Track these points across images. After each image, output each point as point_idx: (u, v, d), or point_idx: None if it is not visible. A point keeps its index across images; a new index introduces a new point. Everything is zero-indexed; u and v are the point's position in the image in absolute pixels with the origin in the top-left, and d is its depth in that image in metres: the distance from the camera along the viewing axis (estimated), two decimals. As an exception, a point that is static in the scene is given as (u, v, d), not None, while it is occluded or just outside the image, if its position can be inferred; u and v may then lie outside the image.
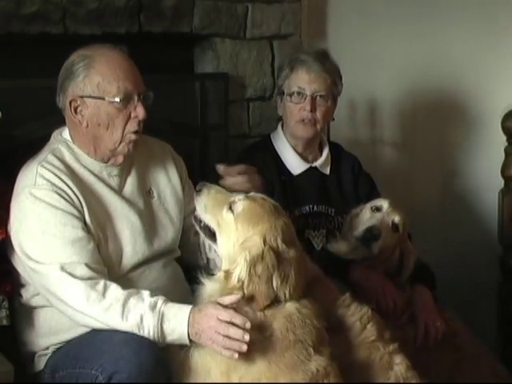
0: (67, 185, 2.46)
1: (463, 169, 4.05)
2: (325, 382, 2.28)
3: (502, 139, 3.75)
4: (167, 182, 2.71)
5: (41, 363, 2.52)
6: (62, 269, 2.35)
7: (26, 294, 2.53)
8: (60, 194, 2.43)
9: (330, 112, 3.17)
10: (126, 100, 2.48)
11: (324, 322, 2.39)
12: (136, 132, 2.52)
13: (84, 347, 2.39)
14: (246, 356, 2.26)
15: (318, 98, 3.10)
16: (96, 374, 2.30)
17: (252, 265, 2.30)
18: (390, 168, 4.01)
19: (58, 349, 2.49)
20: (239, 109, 3.55)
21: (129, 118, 2.50)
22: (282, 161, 3.16)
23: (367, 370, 2.44)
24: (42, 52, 3.03)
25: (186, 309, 2.33)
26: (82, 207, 2.46)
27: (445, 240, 3.79)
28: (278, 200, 2.50)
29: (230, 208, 2.40)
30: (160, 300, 2.34)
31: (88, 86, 2.47)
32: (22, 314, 2.54)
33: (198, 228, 2.52)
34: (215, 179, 2.65)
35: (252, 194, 2.47)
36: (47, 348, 2.50)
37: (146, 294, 2.36)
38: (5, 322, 2.53)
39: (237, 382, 2.28)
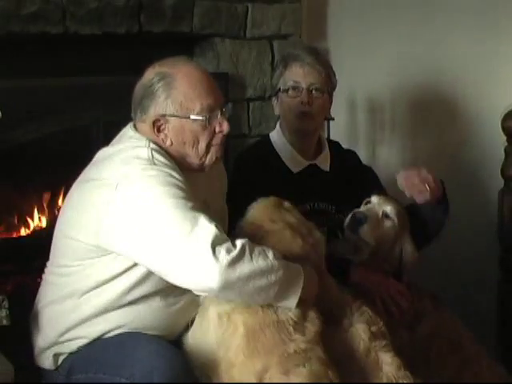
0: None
1: (463, 169, 4.05)
2: (306, 365, 2.25)
3: (502, 139, 3.74)
4: (219, 196, 2.70)
5: (56, 362, 2.47)
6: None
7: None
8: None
9: (326, 105, 3.17)
10: (210, 116, 2.46)
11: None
12: (220, 144, 2.51)
13: (110, 352, 2.34)
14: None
15: (313, 90, 3.10)
16: (126, 382, 2.26)
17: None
18: (390, 168, 4.01)
19: (77, 350, 2.44)
20: (239, 109, 3.55)
21: (214, 133, 2.48)
22: (281, 159, 3.16)
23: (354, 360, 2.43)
24: (42, 52, 3.03)
25: (298, 266, 2.35)
26: None
27: (444, 240, 3.78)
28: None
29: None
30: (278, 254, 2.32)
31: (171, 106, 2.43)
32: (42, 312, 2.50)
33: None
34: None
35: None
36: (64, 343, 2.44)
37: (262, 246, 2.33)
38: (5, 322, 2.53)
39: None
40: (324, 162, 3.21)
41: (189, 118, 2.44)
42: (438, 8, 3.92)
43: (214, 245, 2.20)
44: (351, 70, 3.76)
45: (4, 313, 2.52)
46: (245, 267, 2.22)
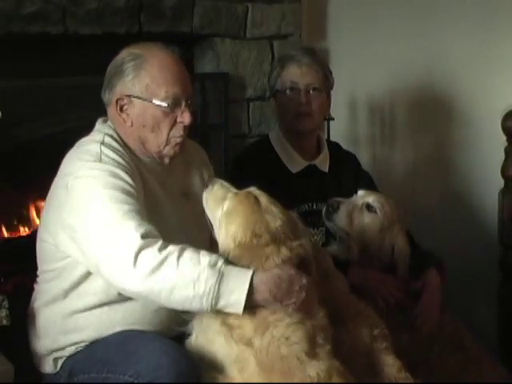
0: (130, 165, 2.41)
1: (463, 169, 4.05)
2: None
3: (502, 139, 3.74)
4: (202, 186, 2.64)
5: (56, 365, 2.46)
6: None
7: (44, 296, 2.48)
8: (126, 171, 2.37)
9: (325, 105, 3.18)
10: (174, 105, 2.45)
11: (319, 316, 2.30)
12: (181, 136, 2.49)
13: (113, 351, 2.32)
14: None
15: (311, 90, 3.10)
16: (130, 380, 2.24)
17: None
18: (390, 168, 4.02)
19: (77, 352, 2.42)
20: (239, 109, 3.55)
21: (174, 122, 2.47)
22: (280, 160, 3.16)
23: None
24: (42, 52, 3.03)
25: (247, 271, 2.22)
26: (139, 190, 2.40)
27: (444, 240, 3.78)
28: (278, 199, 2.49)
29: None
30: (220, 260, 2.21)
31: (136, 87, 2.43)
32: (38, 313, 2.49)
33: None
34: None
35: (244, 191, 2.40)
36: (63, 348, 2.44)
37: (203, 252, 2.24)
38: (5, 322, 2.53)
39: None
40: (323, 162, 3.21)
41: (151, 102, 2.44)
42: (438, 8, 3.93)
43: (138, 251, 2.19)
44: (351, 69, 3.76)
45: (4, 313, 2.52)
46: (166, 278, 2.18)
